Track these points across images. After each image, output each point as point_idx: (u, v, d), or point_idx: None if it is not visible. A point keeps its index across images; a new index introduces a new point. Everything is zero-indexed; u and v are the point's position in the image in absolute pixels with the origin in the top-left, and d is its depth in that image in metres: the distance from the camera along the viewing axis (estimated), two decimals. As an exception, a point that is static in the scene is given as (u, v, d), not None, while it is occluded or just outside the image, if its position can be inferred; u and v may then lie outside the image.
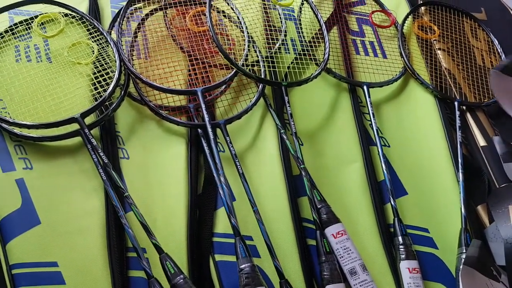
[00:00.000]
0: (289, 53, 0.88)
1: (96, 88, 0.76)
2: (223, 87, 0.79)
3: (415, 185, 0.74)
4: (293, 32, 0.90)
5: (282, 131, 0.73)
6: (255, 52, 0.83)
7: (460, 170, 0.73)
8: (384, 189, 0.72)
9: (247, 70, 0.77)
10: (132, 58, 0.81)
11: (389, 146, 0.78)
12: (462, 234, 0.67)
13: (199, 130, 0.73)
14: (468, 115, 0.83)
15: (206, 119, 0.70)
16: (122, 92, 0.75)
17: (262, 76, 0.79)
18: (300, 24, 0.88)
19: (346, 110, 0.81)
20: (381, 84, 0.84)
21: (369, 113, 0.78)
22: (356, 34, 0.94)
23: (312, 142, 0.77)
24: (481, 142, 0.78)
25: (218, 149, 0.74)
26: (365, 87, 0.81)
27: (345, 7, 0.98)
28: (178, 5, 0.88)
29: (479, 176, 0.74)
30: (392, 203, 0.68)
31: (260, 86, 0.78)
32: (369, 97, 0.80)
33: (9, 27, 0.83)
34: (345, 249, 0.61)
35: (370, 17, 0.96)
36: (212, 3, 0.85)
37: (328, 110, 0.81)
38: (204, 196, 0.69)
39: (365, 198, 0.71)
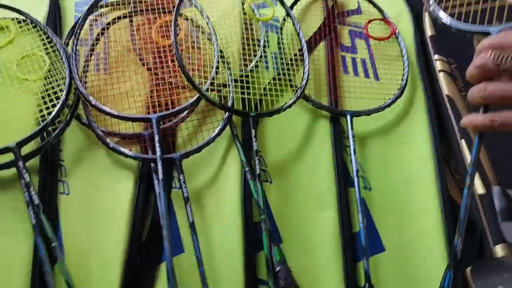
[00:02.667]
0: (268, 70, 0.78)
1: (41, 110, 0.67)
2: (185, 113, 0.70)
3: (396, 240, 0.64)
4: (274, 47, 0.80)
5: (246, 169, 0.64)
6: (227, 71, 0.73)
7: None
8: (358, 243, 0.62)
9: (212, 95, 0.67)
10: (86, 75, 0.72)
11: (370, 189, 0.68)
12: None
13: (152, 164, 0.64)
14: (462, 142, 0.71)
15: (158, 153, 0.61)
16: (68, 116, 0.67)
17: (230, 103, 0.69)
18: (281, 42, 0.78)
19: (325, 142, 0.71)
20: (369, 111, 0.73)
21: (349, 148, 0.68)
22: (347, 49, 0.83)
23: (282, 180, 0.68)
24: (480, 189, 0.66)
25: (174, 186, 0.65)
26: (348, 117, 0.70)
27: (337, 16, 0.87)
28: (146, 12, 0.78)
29: (473, 231, 0.64)
30: (365, 265, 0.58)
31: (226, 114, 0.68)
32: (352, 128, 0.69)
33: (-42, 33, 0.74)
34: (300, 324, 0.52)
35: (366, 27, 0.85)
36: (181, 11, 0.75)
37: (304, 141, 0.71)
38: (148, 244, 0.61)
39: (335, 254, 0.62)
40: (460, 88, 0.79)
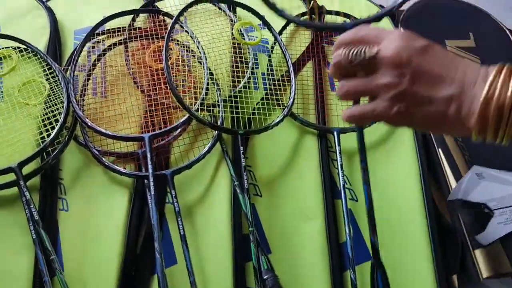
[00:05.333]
0: (258, 89, 0.81)
1: (41, 133, 0.71)
2: (177, 131, 0.73)
3: (382, 249, 0.65)
4: (263, 68, 0.83)
5: (236, 183, 0.67)
6: (217, 92, 0.76)
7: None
8: (345, 253, 0.64)
9: (201, 115, 0.71)
10: (83, 98, 0.75)
11: (356, 200, 0.70)
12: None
13: (146, 181, 0.67)
14: (440, 151, 0.74)
15: (150, 170, 0.65)
16: (67, 137, 0.70)
17: (219, 121, 0.72)
18: (270, 63, 0.81)
19: (312, 157, 0.74)
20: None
21: (337, 161, 0.70)
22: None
23: (271, 193, 0.71)
24: (454, 184, 0.69)
25: (167, 201, 0.68)
26: (335, 133, 0.73)
27: (325, 37, 0.91)
28: (140, 38, 0.82)
29: (454, 239, 0.66)
30: (351, 275, 0.60)
31: (216, 132, 0.72)
32: (339, 144, 0.72)
33: (-35, 62, 0.79)
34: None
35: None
36: (174, 36, 0.80)
37: (292, 156, 0.75)
38: (142, 256, 0.64)
39: (323, 263, 0.64)
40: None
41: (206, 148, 0.70)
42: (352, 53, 0.41)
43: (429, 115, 0.39)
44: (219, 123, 0.73)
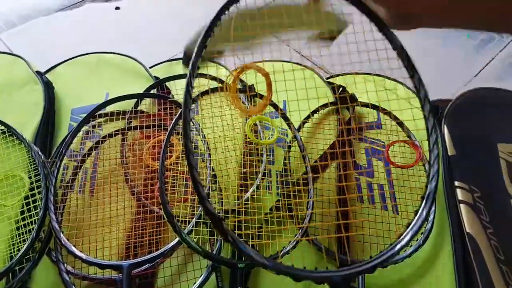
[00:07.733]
0: (271, 194, 0.69)
1: (11, 245, 0.61)
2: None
3: None
4: (277, 167, 0.71)
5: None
6: (219, 203, 0.64)
7: None
8: None
9: (195, 238, 0.59)
10: (66, 197, 0.65)
11: None
12: None
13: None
14: None
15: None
16: (37, 254, 0.60)
17: (217, 244, 0.60)
18: (285, 164, 0.69)
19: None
20: (384, 261, 0.61)
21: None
22: (362, 170, 0.73)
23: None
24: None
25: None
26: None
27: (354, 131, 0.78)
28: (140, 128, 0.72)
29: None
30: None
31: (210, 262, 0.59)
32: (363, 286, 0.58)
33: None
34: None
35: (387, 151, 0.74)
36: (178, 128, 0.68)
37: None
38: None
39: None
40: (485, 224, 0.67)
41: (197, 283, 0.57)
42: None
43: None
44: (216, 247, 0.60)
